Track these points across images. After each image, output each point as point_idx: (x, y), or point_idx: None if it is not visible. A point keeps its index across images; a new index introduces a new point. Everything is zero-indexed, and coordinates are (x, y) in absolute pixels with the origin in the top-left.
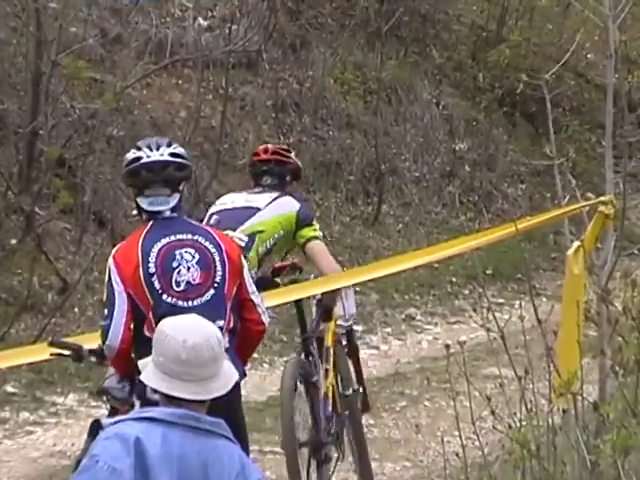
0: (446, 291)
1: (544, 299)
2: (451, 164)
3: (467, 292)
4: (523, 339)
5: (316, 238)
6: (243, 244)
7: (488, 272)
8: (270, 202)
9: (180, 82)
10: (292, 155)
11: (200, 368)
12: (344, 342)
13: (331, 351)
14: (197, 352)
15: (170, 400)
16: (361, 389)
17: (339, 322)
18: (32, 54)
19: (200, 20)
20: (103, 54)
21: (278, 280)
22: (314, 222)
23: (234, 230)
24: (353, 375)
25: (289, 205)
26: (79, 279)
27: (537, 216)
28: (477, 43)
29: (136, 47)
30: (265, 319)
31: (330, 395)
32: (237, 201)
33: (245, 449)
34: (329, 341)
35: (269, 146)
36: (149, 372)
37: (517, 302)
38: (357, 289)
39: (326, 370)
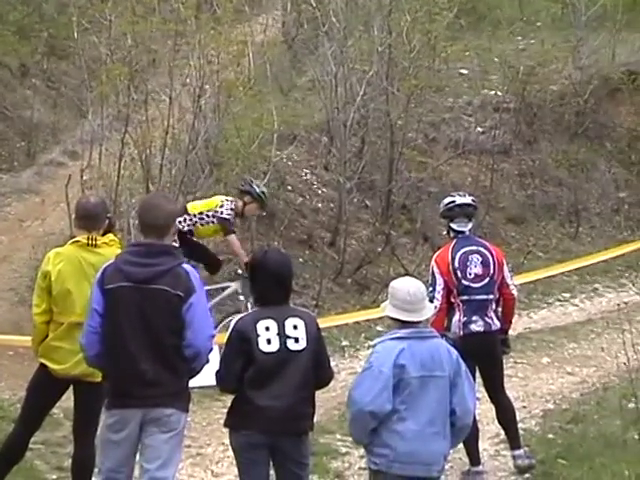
0: (615, 274)
1: None
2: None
3: (627, 274)
4: None
5: None
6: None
7: None
8: None
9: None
10: None
11: (417, 304)
12: None
13: None
14: (414, 295)
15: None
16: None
17: None
18: None
19: None
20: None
21: None
22: None
23: None
24: None
25: None
26: (415, 269)
27: None
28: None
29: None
30: (514, 292)
31: None
32: None
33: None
34: None
35: None
36: (390, 310)
37: None
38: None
39: None
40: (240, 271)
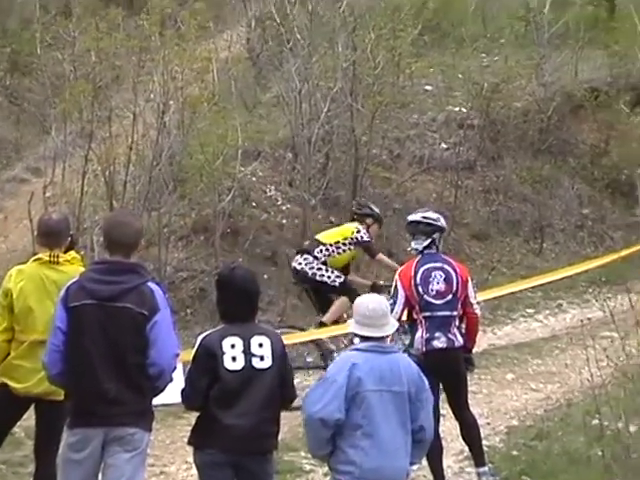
0: (579, 290)
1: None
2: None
3: (591, 290)
4: (624, 316)
5: None
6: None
7: (603, 279)
8: None
9: None
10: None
11: (377, 319)
12: None
13: None
14: (374, 311)
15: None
16: None
17: None
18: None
19: None
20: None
21: None
22: None
23: None
24: None
25: None
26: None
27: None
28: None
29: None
30: (477, 311)
31: None
32: None
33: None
34: None
35: None
36: (352, 325)
37: (619, 296)
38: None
39: None
40: (382, 282)
